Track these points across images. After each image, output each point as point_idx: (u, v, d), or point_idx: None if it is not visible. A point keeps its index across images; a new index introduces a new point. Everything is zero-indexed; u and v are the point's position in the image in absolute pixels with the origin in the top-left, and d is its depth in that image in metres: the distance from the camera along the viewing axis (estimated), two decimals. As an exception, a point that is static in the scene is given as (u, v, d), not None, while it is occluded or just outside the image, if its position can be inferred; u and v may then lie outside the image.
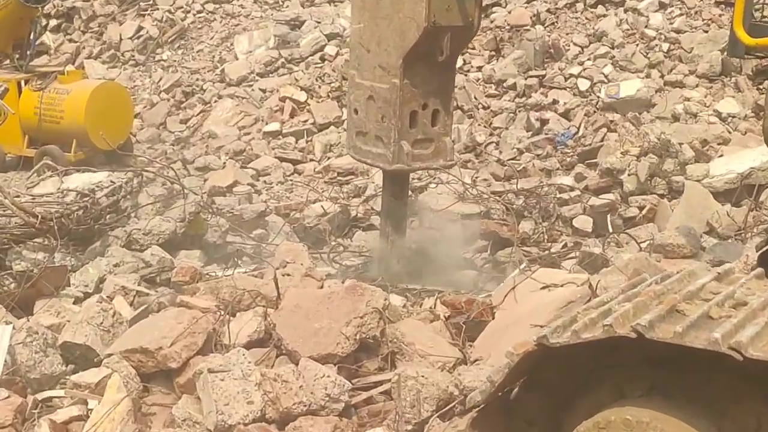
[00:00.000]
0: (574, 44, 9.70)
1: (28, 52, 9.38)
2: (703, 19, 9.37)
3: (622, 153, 7.63)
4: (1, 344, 3.76)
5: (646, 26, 9.57)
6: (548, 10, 9.91)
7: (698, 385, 2.07)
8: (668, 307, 2.11)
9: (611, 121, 8.57)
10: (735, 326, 1.96)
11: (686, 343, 1.92)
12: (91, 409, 3.48)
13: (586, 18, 9.79)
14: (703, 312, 2.09)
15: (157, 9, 12.03)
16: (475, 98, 9.40)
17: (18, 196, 5.99)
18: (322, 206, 7.31)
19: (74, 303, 4.44)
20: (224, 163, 9.00)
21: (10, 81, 8.79)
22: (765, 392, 2.04)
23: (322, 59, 10.92)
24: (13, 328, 3.90)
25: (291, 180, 8.66)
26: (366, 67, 5.06)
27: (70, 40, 12.60)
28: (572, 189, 7.55)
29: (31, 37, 9.38)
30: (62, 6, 12.41)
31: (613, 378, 2.21)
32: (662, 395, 2.09)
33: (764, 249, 3.42)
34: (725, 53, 8.88)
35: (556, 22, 9.92)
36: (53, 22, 12.64)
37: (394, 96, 4.87)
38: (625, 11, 9.59)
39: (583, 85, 9.18)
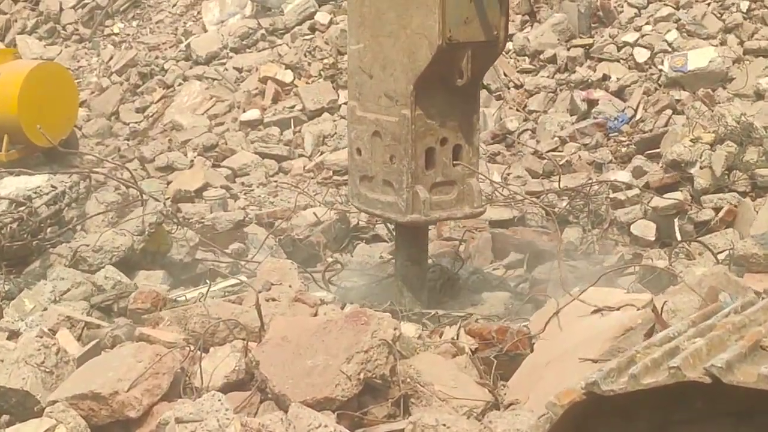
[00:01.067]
0: (629, 5, 8.97)
1: None
2: None
3: (692, 141, 7.06)
4: None
5: None
6: None
7: None
8: (751, 343, 1.97)
9: (678, 101, 7.90)
10: None
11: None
12: None
13: None
14: None
15: None
16: (505, 75, 8.74)
17: None
18: (314, 213, 6.95)
19: (8, 338, 4.26)
20: (192, 161, 8.44)
21: None
22: None
23: (312, 29, 9.98)
24: None
25: (275, 181, 8.11)
26: (369, 97, 4.74)
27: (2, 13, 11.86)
28: (629, 187, 7.07)
29: None
30: None
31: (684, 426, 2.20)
32: None
33: None
34: None
35: None
36: None
37: (404, 131, 4.56)
38: None
39: (641, 56, 8.53)
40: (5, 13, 11.63)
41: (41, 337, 3.88)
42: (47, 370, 3.63)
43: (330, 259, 6.15)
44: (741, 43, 8.44)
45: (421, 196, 4.63)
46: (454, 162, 4.80)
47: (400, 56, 4.53)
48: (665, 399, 1.98)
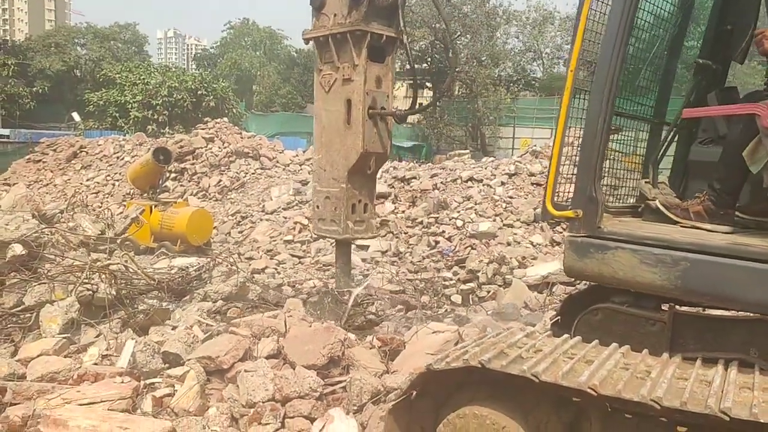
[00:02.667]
0: (455, 201, 13.52)
1: (157, 190, 12.99)
2: (524, 192, 13.90)
3: (479, 261, 10.51)
4: (126, 351, 4.62)
5: (494, 193, 13.90)
6: (441, 182, 14.41)
7: (514, 395, 2.83)
8: (499, 351, 2.86)
9: (473, 244, 11.69)
10: (535, 362, 2.73)
11: (507, 371, 2.67)
12: (176, 390, 4.18)
13: (462, 188, 14.24)
14: (517, 354, 2.87)
15: (230, 170, 16.28)
16: (400, 227, 12.97)
17: (146, 268, 7.46)
18: (313, 282, 9.51)
19: (172, 329, 5.37)
20: (261, 256, 11.71)
21: (146, 205, 11.69)
22: (552, 399, 2.85)
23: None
24: (135, 342, 4.75)
25: (297, 267, 11.11)
26: (324, 180, 6.30)
27: (181, 185, 16.59)
28: (451, 279, 10.27)
29: (159, 182, 13.13)
30: (177, 167, 16.31)
31: (470, 389, 2.92)
32: (495, 400, 2.83)
33: (555, 319, 4.04)
34: (536, 213, 12.53)
35: (446, 189, 14.27)
36: (172, 175, 16.58)
37: (342, 195, 6.17)
38: (483, 185, 14.12)
39: (459, 223, 12.63)
40: (184, 186, 16.22)
41: (186, 329, 5.11)
42: (187, 344, 4.81)
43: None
44: (502, 221, 12.94)
45: (350, 226, 6.23)
46: (364, 213, 6.36)
47: (341, 159, 6.11)
48: (462, 373, 2.86)
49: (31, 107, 32.44)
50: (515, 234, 12.93)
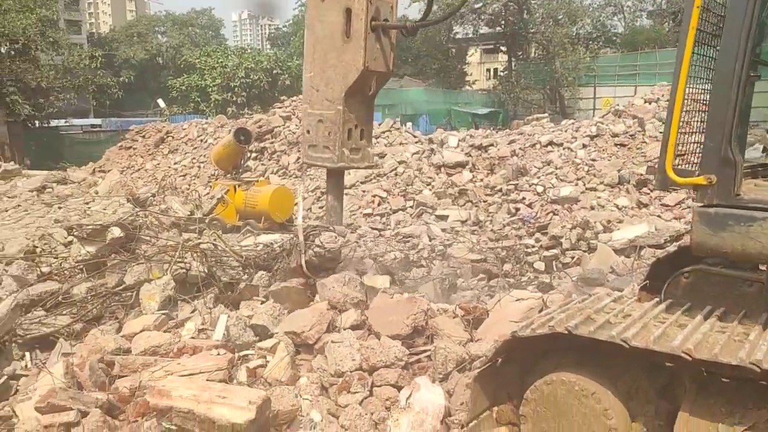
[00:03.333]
0: (535, 166, 13.65)
1: (240, 170, 13.04)
2: (608, 153, 13.50)
3: (562, 227, 10.66)
4: (220, 325, 4.81)
5: (575, 157, 13.66)
6: (520, 148, 14.18)
7: (602, 360, 2.76)
8: (585, 317, 2.80)
9: (555, 209, 11.97)
10: (624, 327, 2.67)
11: (595, 337, 2.63)
12: (268, 362, 4.34)
13: (542, 153, 13.99)
14: (605, 320, 2.82)
15: None
16: (478, 196, 13.07)
17: (233, 246, 7.29)
18: (394, 254, 9.65)
19: (260, 304, 5.53)
20: None
21: (231, 185, 11.98)
22: (642, 365, 2.77)
23: (396, 174, 14.73)
24: (228, 316, 4.94)
25: (377, 240, 11.35)
26: (316, 101, 5.69)
27: (262, 164, 17.15)
28: (533, 246, 10.37)
29: (242, 161, 13.15)
30: (257, 146, 16.93)
31: (556, 355, 2.89)
32: (583, 366, 2.78)
33: (643, 283, 3.89)
34: (622, 174, 12.39)
35: (524, 154, 14.07)
36: (253, 154, 17.01)
37: (338, 119, 5.56)
38: (564, 149, 13.83)
39: (540, 189, 12.78)
40: (265, 165, 16.75)
41: (281, 304, 5.26)
42: (275, 317, 5.08)
43: (401, 274, 7.55)
44: (585, 184, 12.58)
45: (345, 153, 5.67)
46: (360, 139, 5.80)
47: (338, 77, 5.50)
48: (548, 339, 2.82)
49: (118, 96, 34.07)
50: (599, 197, 12.69)
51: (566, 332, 2.71)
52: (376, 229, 12.43)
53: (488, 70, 55.97)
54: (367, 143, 5.93)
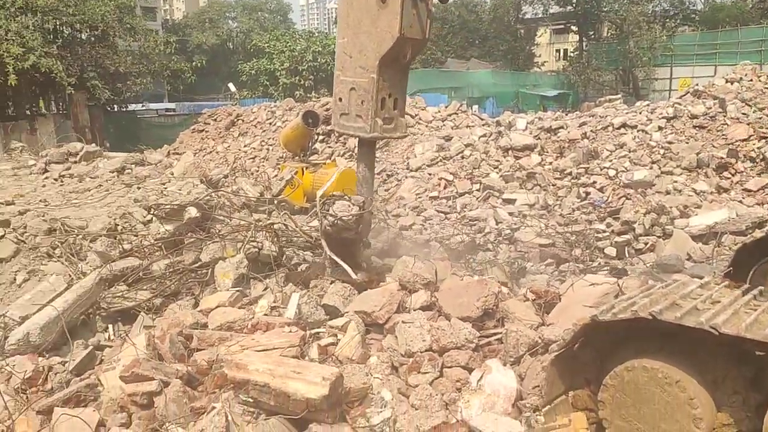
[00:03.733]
0: (607, 149, 13.20)
1: (307, 153, 13.23)
2: (686, 136, 12.89)
3: (635, 212, 10.39)
4: (292, 303, 4.89)
5: (650, 139, 13.13)
6: (591, 130, 13.70)
7: (687, 348, 2.67)
8: (671, 302, 2.71)
9: (628, 194, 11.55)
10: (713, 314, 2.57)
11: (682, 323, 2.55)
12: (339, 340, 4.38)
13: (614, 135, 13.46)
14: (692, 306, 2.72)
15: None
16: (547, 179, 12.79)
17: (302, 226, 7.68)
18: (460, 237, 9.92)
19: (330, 283, 5.52)
20: (407, 212, 12.00)
21: (299, 167, 12.08)
22: (731, 353, 2.66)
23: (462, 157, 14.48)
24: (300, 295, 5.04)
25: (443, 223, 11.32)
26: (349, 68, 5.55)
27: (329, 146, 17.23)
28: (604, 231, 10.13)
29: (309, 144, 13.33)
30: (325, 129, 16.30)
31: (637, 341, 2.79)
32: (666, 353, 2.68)
33: (727, 270, 3.85)
34: (701, 157, 11.81)
35: (596, 137, 13.58)
36: (320, 137, 16.87)
37: (371, 87, 5.41)
38: (638, 131, 13.26)
39: (612, 172, 12.43)
40: (331, 147, 16.67)
41: (343, 284, 5.24)
42: (345, 297, 5.14)
43: (468, 257, 7.98)
44: (660, 168, 12.14)
45: (378, 123, 5.53)
46: (393, 109, 5.65)
47: (372, 44, 5.32)
48: (629, 324, 2.72)
49: (191, 81, 35.02)
50: (675, 182, 12.30)
51: (650, 317, 2.62)
52: (442, 212, 12.36)
53: (558, 51, 54.59)
54: (401, 113, 5.79)
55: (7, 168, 11.83)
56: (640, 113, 14.79)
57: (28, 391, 4.17)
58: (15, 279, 6.07)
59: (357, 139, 5.96)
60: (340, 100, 5.71)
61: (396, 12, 5.09)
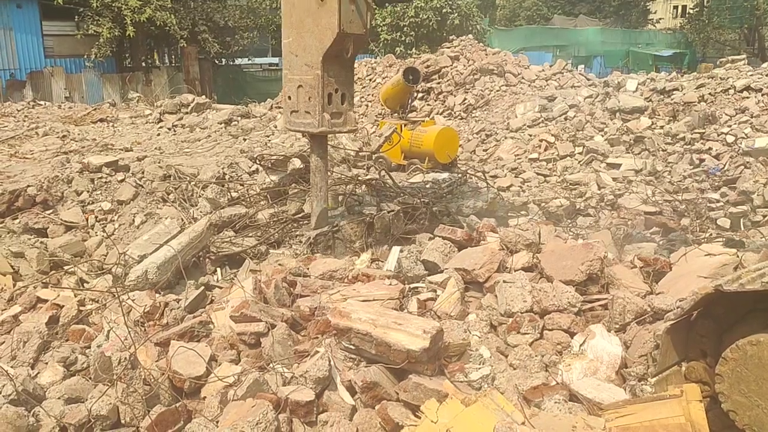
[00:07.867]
0: (726, 114, 12.26)
1: (406, 110, 12.90)
2: None
3: (754, 182, 9.95)
4: (393, 256, 5.05)
5: None
6: (710, 93, 12.79)
7: None
8: None
9: (747, 162, 10.79)
10: None
11: None
12: (438, 295, 4.37)
13: (735, 99, 12.49)
14: None
15: (474, 88, 16.34)
16: (657, 144, 12.13)
17: (400, 182, 8.28)
18: (560, 201, 9.75)
19: (428, 240, 5.55)
20: (506, 174, 11.78)
21: (398, 124, 11.44)
22: None
23: (565, 119, 13.91)
24: (400, 249, 5.19)
25: (542, 186, 11.17)
26: (295, 67, 5.76)
27: (428, 104, 16.99)
28: (718, 201, 9.73)
29: (409, 101, 12.94)
30: (424, 87, 16.87)
31: (763, 314, 2.67)
32: None
33: None
34: None
35: (714, 100, 12.67)
36: (419, 95, 16.97)
37: (317, 83, 5.65)
38: (762, 95, 12.29)
39: (730, 139, 11.58)
40: (430, 105, 16.47)
41: (442, 241, 5.14)
42: (445, 254, 5.04)
43: (567, 221, 8.34)
44: None
45: (326, 118, 5.75)
46: (341, 104, 5.88)
47: (314, 42, 5.55)
48: (756, 296, 2.59)
49: (294, 36, 35.35)
50: (800, 150, 11.47)
51: (775, 290, 2.45)
52: (541, 174, 12.12)
53: (675, 7, 51.10)
54: (349, 107, 5.96)
55: (126, 117, 12.66)
56: (766, 75, 13.66)
57: (146, 325, 4.45)
58: (134, 220, 6.50)
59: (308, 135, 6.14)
60: (290, 98, 5.91)
61: (334, 9, 5.34)
